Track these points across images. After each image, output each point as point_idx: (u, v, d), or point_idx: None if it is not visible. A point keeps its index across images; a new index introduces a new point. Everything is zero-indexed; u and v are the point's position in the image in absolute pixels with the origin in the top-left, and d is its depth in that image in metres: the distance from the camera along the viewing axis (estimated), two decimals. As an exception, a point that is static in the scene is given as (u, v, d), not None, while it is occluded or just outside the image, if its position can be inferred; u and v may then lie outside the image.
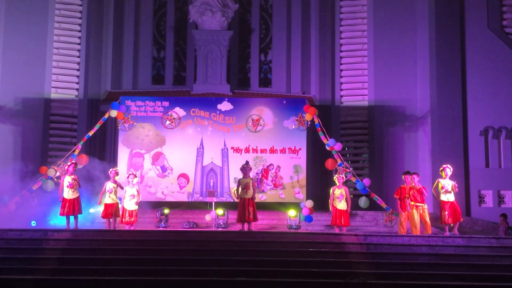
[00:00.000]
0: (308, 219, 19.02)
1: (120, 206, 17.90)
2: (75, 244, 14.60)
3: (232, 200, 21.22)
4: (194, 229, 18.49)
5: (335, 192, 17.96)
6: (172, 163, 21.63)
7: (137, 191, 18.02)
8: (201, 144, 21.73)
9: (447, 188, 16.82)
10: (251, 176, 17.85)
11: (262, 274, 12.73)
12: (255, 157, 21.62)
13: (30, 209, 18.99)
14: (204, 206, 20.89)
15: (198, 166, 21.61)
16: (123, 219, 17.69)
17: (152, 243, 14.72)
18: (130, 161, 21.57)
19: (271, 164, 21.52)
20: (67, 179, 17.46)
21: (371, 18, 23.45)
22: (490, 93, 21.09)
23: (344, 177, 18.51)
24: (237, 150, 21.77)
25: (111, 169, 18.29)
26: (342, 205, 17.83)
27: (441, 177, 17.12)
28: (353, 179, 19.83)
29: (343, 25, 24.01)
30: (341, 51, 23.89)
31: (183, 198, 21.38)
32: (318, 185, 22.47)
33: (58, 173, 19.47)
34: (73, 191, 17.40)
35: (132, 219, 17.77)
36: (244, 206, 17.31)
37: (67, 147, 21.75)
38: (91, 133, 20.86)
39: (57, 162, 19.98)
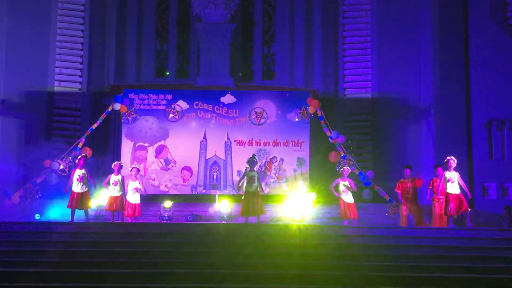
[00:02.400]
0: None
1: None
2: (78, 237, 14.63)
3: (235, 193, 21.23)
4: (198, 222, 18.51)
5: (339, 185, 17.78)
6: (176, 156, 21.66)
7: (139, 183, 18.02)
8: (204, 137, 21.74)
9: (453, 179, 16.67)
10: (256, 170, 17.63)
11: (265, 266, 12.74)
12: (259, 150, 21.64)
13: (34, 202, 19.05)
14: (207, 199, 20.90)
15: (202, 159, 21.63)
16: (126, 212, 17.72)
17: (156, 236, 14.73)
18: (133, 154, 21.61)
19: (274, 157, 21.54)
20: (77, 173, 17.38)
21: (375, 10, 23.42)
22: (494, 85, 21.06)
23: (349, 169, 18.35)
24: (240, 143, 21.79)
25: (115, 162, 18.27)
26: (348, 197, 17.71)
27: (446, 169, 17.00)
28: (357, 172, 19.83)
29: (347, 17, 24.00)
30: (345, 43, 23.89)
31: (186, 191, 21.41)
32: (321, 178, 22.44)
33: (62, 166, 19.51)
34: (83, 185, 17.33)
35: (135, 213, 17.79)
36: (248, 200, 17.15)
37: (71, 140, 21.77)
38: (94, 126, 20.90)
39: (60, 155, 20.02)
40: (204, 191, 21.47)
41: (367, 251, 13.87)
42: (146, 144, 21.73)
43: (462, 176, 17.51)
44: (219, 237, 14.66)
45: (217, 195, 20.22)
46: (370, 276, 12.26)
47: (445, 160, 16.96)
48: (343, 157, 19.90)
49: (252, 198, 17.09)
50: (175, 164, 21.54)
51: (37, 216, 18.22)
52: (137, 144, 21.70)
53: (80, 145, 20.16)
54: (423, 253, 13.88)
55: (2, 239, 14.19)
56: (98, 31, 23.94)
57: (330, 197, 20.06)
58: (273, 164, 21.45)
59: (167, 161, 21.54)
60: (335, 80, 23.71)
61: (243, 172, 17.89)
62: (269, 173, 21.34)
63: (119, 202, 17.66)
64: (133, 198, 17.86)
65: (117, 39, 24.43)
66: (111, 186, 17.67)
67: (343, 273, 12.24)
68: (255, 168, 17.61)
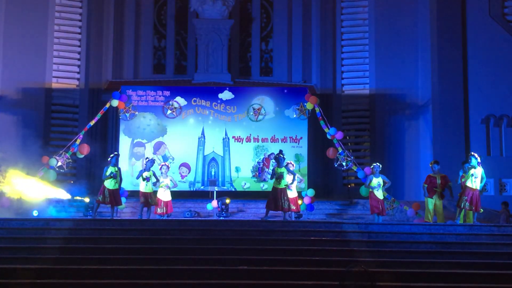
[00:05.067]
0: (310, 208, 19.02)
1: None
2: (76, 233, 14.60)
3: (234, 189, 21.30)
4: (196, 218, 18.49)
5: (372, 182, 17.47)
6: (174, 152, 21.67)
7: (170, 180, 17.89)
8: (202, 133, 21.75)
9: (476, 175, 16.46)
10: (285, 165, 17.12)
11: (263, 262, 12.75)
12: (256, 146, 21.68)
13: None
14: (205, 195, 20.89)
15: (200, 155, 21.64)
16: (158, 209, 17.57)
17: (154, 232, 14.72)
18: (131, 150, 21.61)
19: (272, 153, 21.50)
20: (111, 170, 17.22)
21: (372, 7, 23.42)
22: (492, 81, 21.08)
23: (380, 165, 17.94)
24: (238, 139, 21.81)
25: (147, 158, 18.03)
26: (379, 193, 17.46)
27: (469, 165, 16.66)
28: (354, 168, 19.82)
29: (344, 13, 24.02)
30: (343, 40, 23.91)
31: (184, 187, 21.40)
32: (319, 174, 22.48)
33: (59, 163, 19.49)
34: (116, 182, 17.23)
35: (168, 210, 17.67)
36: (276, 195, 16.77)
37: (69, 137, 21.77)
38: (92, 123, 20.86)
39: (58, 152, 20.01)
40: (202, 187, 21.47)
41: (364, 247, 13.87)
42: (144, 141, 21.74)
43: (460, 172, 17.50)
44: (218, 233, 14.64)
45: (215, 191, 20.20)
46: (368, 272, 12.24)
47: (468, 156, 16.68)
48: (341, 153, 19.89)
49: (280, 195, 16.87)
50: (173, 160, 21.54)
51: (35, 213, 18.17)
52: (135, 141, 21.70)
53: (78, 142, 20.12)
54: (421, 249, 13.89)
55: (0, 236, 14.17)
56: (96, 27, 23.94)
57: (328, 193, 20.10)
58: (270, 161, 21.43)
59: (165, 158, 21.53)
60: (333, 76, 23.74)
61: (273, 169, 17.37)
62: (267, 169, 21.34)
63: (153, 198, 17.45)
64: (164, 195, 17.75)
65: (115, 35, 24.43)
66: (144, 183, 17.38)
67: (340, 269, 12.22)
68: (283, 164, 17.04)
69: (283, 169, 16.91)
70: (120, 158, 21.15)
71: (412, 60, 22.71)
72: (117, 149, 21.62)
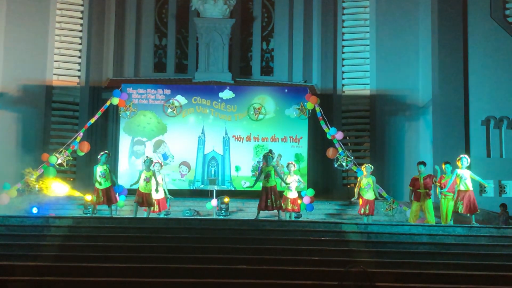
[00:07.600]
0: (309, 207, 19.01)
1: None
2: (76, 231, 14.60)
3: (233, 188, 21.31)
4: (195, 217, 18.49)
5: (362, 182, 17.46)
6: (174, 151, 21.69)
7: (162, 179, 17.84)
8: (203, 132, 21.76)
9: (465, 177, 16.42)
10: (273, 164, 17.10)
11: (262, 262, 12.75)
12: (257, 145, 21.69)
13: (31, 196, 19.03)
14: (205, 194, 20.90)
15: (200, 154, 21.65)
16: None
17: (153, 230, 14.72)
18: (131, 148, 21.62)
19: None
20: (99, 169, 17.00)
21: (374, 7, 23.43)
22: (492, 83, 21.08)
23: (371, 167, 17.93)
24: (238, 138, 21.82)
25: (146, 157, 17.90)
26: (369, 194, 17.44)
27: (457, 167, 16.69)
28: (354, 168, 19.83)
29: (346, 13, 24.03)
30: (343, 40, 23.92)
31: (184, 186, 21.42)
32: (319, 174, 22.49)
33: (59, 160, 19.50)
34: (106, 180, 17.16)
35: (160, 208, 17.62)
36: (266, 195, 16.68)
37: (69, 134, 21.78)
38: (92, 121, 20.87)
39: (58, 149, 20.01)
40: (202, 186, 21.48)
41: (364, 247, 13.88)
42: (144, 139, 21.75)
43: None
44: (217, 232, 14.65)
45: (215, 190, 20.21)
46: (368, 273, 12.25)
47: (458, 158, 16.63)
48: (341, 154, 19.89)
49: (270, 194, 16.74)
50: (173, 159, 21.56)
51: (34, 210, 18.18)
52: (135, 139, 21.72)
53: (78, 139, 20.12)
54: (420, 250, 13.90)
55: (0, 232, 14.18)
56: (97, 25, 23.94)
57: (328, 193, 20.08)
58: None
59: (165, 156, 21.55)
60: (334, 76, 23.74)
61: (260, 168, 17.46)
62: (267, 168, 21.34)
63: (149, 198, 17.27)
64: (156, 193, 17.65)
65: (116, 33, 24.46)
66: (143, 183, 17.17)
67: (339, 269, 12.25)
68: (272, 163, 16.96)
69: (270, 168, 16.78)
70: (120, 156, 21.31)
71: (413, 61, 22.71)
72: (117, 147, 21.65)
